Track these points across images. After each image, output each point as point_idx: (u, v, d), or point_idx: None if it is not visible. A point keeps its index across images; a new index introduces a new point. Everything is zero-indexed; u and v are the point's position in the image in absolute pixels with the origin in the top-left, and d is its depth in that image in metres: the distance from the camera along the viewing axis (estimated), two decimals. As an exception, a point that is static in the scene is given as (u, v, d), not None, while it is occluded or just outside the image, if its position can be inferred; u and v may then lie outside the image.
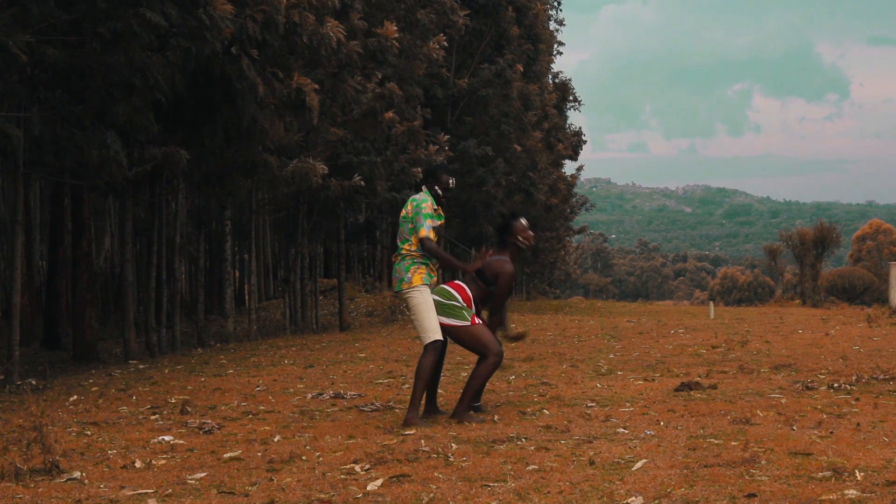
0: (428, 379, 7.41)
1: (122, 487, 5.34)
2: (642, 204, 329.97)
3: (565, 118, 54.25)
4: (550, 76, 50.03)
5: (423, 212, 7.42)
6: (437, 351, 7.38)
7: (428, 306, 7.37)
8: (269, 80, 14.38)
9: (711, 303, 33.49)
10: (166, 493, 5.19)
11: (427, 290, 7.41)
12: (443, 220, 7.60)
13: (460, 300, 7.44)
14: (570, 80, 53.70)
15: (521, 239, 7.64)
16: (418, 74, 24.33)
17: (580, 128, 56.43)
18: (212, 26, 12.26)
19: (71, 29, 11.87)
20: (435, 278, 7.54)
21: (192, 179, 18.42)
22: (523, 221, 7.69)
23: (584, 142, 56.02)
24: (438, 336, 7.37)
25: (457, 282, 7.59)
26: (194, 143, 15.25)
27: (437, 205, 7.55)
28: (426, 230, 7.39)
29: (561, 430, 6.85)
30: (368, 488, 5.13)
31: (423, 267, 7.46)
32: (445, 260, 7.54)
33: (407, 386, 9.77)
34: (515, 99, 33.20)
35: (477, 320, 7.44)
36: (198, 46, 12.44)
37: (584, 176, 67.38)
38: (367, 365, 12.38)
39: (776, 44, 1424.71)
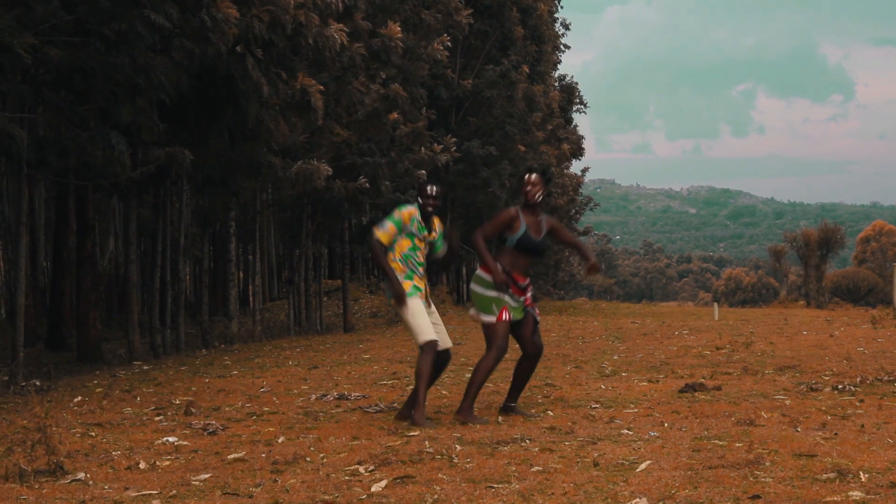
0: (429, 378, 7.43)
1: (127, 488, 5.35)
2: (647, 205, 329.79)
3: (570, 119, 54.23)
4: (556, 77, 50.03)
5: (391, 214, 7.54)
6: (433, 350, 7.38)
7: (415, 311, 7.40)
8: (273, 81, 14.39)
9: (716, 304, 33.51)
10: (170, 494, 5.19)
11: (413, 298, 7.42)
12: (429, 234, 7.57)
13: (484, 275, 7.47)
14: (576, 83, 53.76)
15: (525, 190, 7.63)
16: (422, 75, 24.34)
17: (582, 136, 56.33)
18: (214, 27, 12.27)
19: (74, 30, 11.89)
20: (423, 292, 7.53)
21: (197, 180, 18.44)
22: (527, 176, 7.64)
23: (582, 149, 55.93)
24: (431, 335, 7.38)
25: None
26: (198, 143, 15.27)
27: (424, 218, 7.55)
28: (379, 230, 7.46)
29: (565, 431, 6.85)
30: (372, 489, 5.13)
31: (408, 281, 7.50)
32: (380, 265, 7.51)
33: (412, 387, 9.76)
34: (520, 100, 33.19)
35: (504, 316, 7.43)
36: (201, 47, 12.46)
37: (588, 177, 67.36)
38: (372, 366, 12.38)
39: (780, 44, 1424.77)
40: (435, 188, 7.56)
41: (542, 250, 7.64)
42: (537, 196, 7.59)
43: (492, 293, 7.44)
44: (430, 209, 7.54)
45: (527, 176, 7.65)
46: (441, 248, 7.78)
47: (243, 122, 14.50)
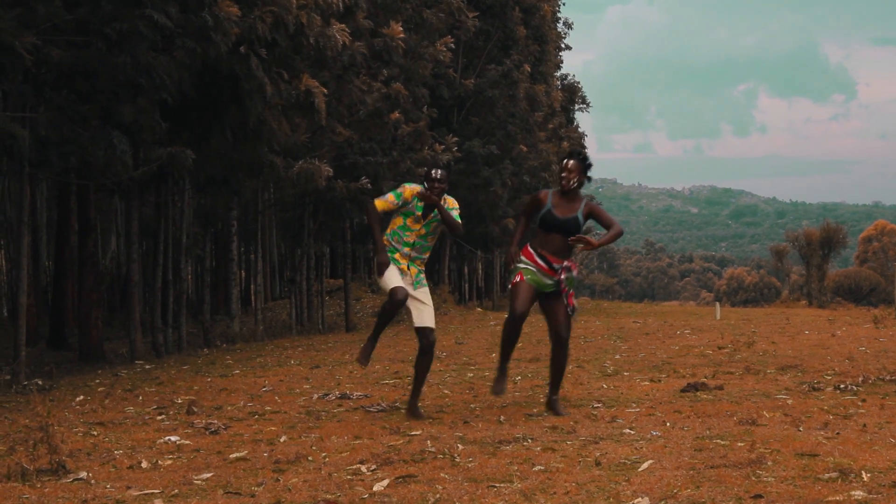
0: (385, 321, 7.76)
1: (129, 488, 5.35)
2: (648, 204, 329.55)
3: (572, 119, 54.24)
4: (558, 77, 50.05)
5: (395, 188, 7.70)
6: (395, 296, 7.47)
7: (386, 276, 7.57)
8: (276, 81, 14.39)
9: (717, 303, 33.50)
10: (172, 493, 5.19)
11: (390, 268, 7.60)
12: (423, 218, 7.60)
13: (524, 260, 7.66)
14: (578, 82, 53.79)
15: (561, 176, 7.66)
16: (424, 75, 24.31)
17: (584, 134, 56.37)
18: (216, 26, 12.27)
19: (76, 29, 11.89)
20: (404, 265, 7.62)
21: (198, 180, 18.43)
22: (564, 162, 7.66)
23: (584, 143, 55.94)
24: (396, 283, 7.50)
25: (526, 246, 7.76)
26: (200, 143, 15.26)
27: (423, 199, 7.59)
28: (378, 198, 7.64)
29: (567, 430, 6.85)
30: (374, 489, 5.13)
31: (388, 255, 7.63)
32: (370, 228, 7.68)
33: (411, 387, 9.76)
34: (522, 99, 33.18)
35: (517, 278, 7.61)
36: (203, 47, 12.45)
37: (590, 176, 67.32)
38: (373, 365, 12.37)
39: (782, 44, 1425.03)
40: (440, 172, 7.59)
41: (566, 227, 7.56)
42: (572, 183, 7.57)
43: (518, 265, 7.67)
44: (432, 193, 7.56)
45: (564, 161, 7.68)
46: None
47: (245, 121, 14.50)
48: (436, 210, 7.62)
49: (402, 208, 7.59)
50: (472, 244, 38.49)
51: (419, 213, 7.59)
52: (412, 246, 7.62)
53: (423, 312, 7.63)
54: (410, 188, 7.60)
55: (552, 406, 7.75)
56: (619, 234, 7.65)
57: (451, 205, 7.69)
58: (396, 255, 7.63)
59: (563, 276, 7.58)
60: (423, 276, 7.74)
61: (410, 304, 7.65)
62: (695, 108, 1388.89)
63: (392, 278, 7.54)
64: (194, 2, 12.24)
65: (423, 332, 7.63)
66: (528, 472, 5.42)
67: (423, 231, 7.63)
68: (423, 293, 7.67)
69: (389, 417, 7.83)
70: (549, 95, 40.84)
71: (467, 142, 30.85)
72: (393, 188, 7.76)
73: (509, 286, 7.70)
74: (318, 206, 23.30)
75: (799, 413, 7.36)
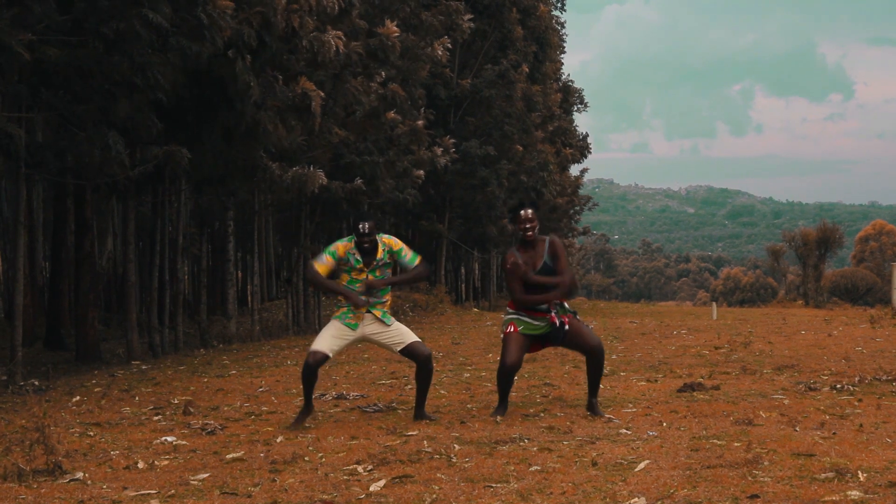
0: (306, 384, 7.62)
1: (125, 488, 5.35)
2: (645, 204, 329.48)
3: (571, 120, 54.22)
4: (555, 78, 50.04)
5: (328, 247, 7.60)
6: (310, 356, 7.53)
7: (322, 331, 7.71)
8: (269, 83, 14.37)
9: (714, 303, 33.51)
10: (169, 493, 5.19)
11: (334, 321, 7.67)
12: (366, 267, 7.47)
13: (511, 310, 7.77)
14: (572, 82, 53.78)
15: (522, 228, 7.61)
16: (421, 76, 24.31)
17: (587, 133, 56.28)
18: (210, 25, 12.26)
19: (72, 29, 11.87)
20: (352, 319, 7.56)
21: (194, 180, 18.41)
22: (523, 213, 7.59)
23: (589, 147, 55.90)
24: (315, 347, 7.57)
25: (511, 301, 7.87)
26: (195, 143, 15.25)
27: (361, 251, 7.48)
28: (316, 261, 7.54)
29: (563, 430, 6.85)
30: (371, 489, 5.13)
31: (343, 308, 7.64)
32: (323, 286, 7.77)
33: (410, 387, 9.76)
34: (518, 100, 33.18)
35: (509, 329, 7.69)
36: (198, 45, 12.45)
37: (586, 176, 67.38)
38: (370, 366, 12.38)
39: (778, 43, 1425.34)
40: (367, 225, 7.44)
41: (532, 282, 7.59)
42: (536, 230, 7.62)
43: (508, 316, 7.77)
44: (365, 245, 7.46)
45: (522, 212, 7.60)
46: (411, 264, 7.65)
47: (238, 122, 14.49)
48: (377, 259, 7.50)
49: (343, 265, 7.54)
50: (469, 244, 38.51)
51: (360, 265, 7.50)
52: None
53: (401, 336, 7.57)
54: (343, 244, 7.50)
55: (591, 408, 7.79)
56: (569, 284, 7.66)
57: (395, 246, 7.58)
58: (350, 309, 7.57)
59: (553, 312, 7.60)
60: (387, 313, 7.65)
61: (382, 341, 7.62)
62: (691, 107, 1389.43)
63: (321, 336, 7.62)
64: (188, 1, 12.24)
65: (411, 352, 7.57)
66: (525, 473, 5.42)
67: (370, 279, 7.54)
68: (395, 326, 7.61)
69: (386, 418, 7.83)
70: (548, 97, 40.81)
71: (464, 142, 30.85)
72: (326, 247, 7.63)
73: (502, 335, 7.76)
74: (315, 207, 23.28)
75: (795, 413, 7.37)
